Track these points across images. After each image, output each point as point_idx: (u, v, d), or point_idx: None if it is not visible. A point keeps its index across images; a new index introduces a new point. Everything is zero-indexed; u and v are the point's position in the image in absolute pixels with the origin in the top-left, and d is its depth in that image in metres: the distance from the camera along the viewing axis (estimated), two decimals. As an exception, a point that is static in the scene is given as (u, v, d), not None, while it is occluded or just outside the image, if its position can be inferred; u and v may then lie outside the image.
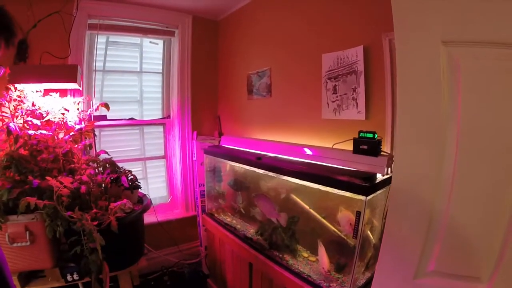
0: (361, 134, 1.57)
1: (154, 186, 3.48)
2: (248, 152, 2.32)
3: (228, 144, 2.72)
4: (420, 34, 1.01)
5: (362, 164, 1.55)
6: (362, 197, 1.38)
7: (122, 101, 3.27)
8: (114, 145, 3.17)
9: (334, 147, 1.85)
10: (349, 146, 1.70)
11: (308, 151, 1.88)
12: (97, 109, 2.38)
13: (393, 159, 1.08)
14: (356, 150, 1.59)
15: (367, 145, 1.54)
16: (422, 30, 1.00)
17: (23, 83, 2.17)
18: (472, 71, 0.94)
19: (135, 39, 3.27)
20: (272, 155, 2.08)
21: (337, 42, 2.06)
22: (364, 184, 1.36)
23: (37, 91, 2.27)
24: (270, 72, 2.72)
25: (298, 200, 1.92)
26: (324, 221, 1.80)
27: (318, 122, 2.20)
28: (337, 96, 2.05)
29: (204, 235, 3.08)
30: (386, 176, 1.53)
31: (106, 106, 2.29)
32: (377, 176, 1.49)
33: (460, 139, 0.96)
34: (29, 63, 2.45)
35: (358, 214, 1.40)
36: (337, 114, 2.05)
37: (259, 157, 2.00)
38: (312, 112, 2.25)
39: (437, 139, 0.98)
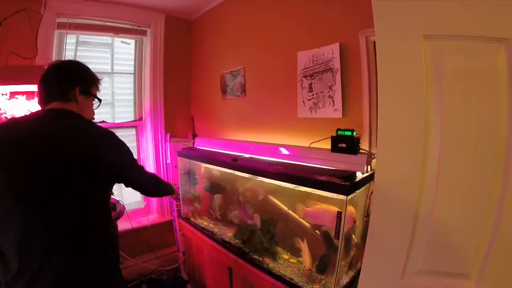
0: (339, 132, 1.54)
1: (129, 190, 3.33)
2: (223, 153, 2.25)
3: (202, 146, 2.64)
4: (400, 29, 0.98)
5: (341, 162, 1.52)
6: (343, 197, 1.34)
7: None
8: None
9: (312, 146, 1.81)
10: (327, 145, 1.67)
11: (285, 151, 1.84)
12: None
13: (375, 158, 1.05)
14: (335, 148, 1.55)
15: (345, 143, 1.51)
16: (403, 24, 0.97)
17: (-14, 85, 2.03)
18: (454, 66, 0.92)
19: (106, 39, 3.14)
20: (248, 156, 2.03)
21: (313, 39, 2.03)
22: (344, 183, 1.33)
23: (2, 94, 2.15)
24: (244, 71, 2.66)
25: (276, 201, 1.88)
26: (304, 221, 1.77)
27: (294, 121, 2.17)
28: (313, 94, 2.02)
29: (181, 240, 2.98)
30: (366, 174, 1.51)
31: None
32: (357, 175, 1.47)
33: (444, 136, 0.94)
34: (-4, 65, 2.27)
35: (339, 215, 1.37)
36: (313, 113, 2.02)
37: (235, 159, 1.95)
38: (288, 111, 2.22)
39: (421, 137, 0.96)
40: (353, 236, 1.64)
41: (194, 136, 3.39)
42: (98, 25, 2.95)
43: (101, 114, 3.12)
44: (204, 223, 2.47)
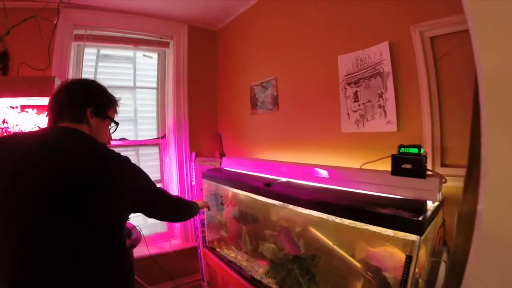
0: (402, 149, 1.20)
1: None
2: (254, 176, 1.93)
3: (230, 167, 2.34)
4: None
5: (405, 188, 1.17)
6: (414, 237, 1.00)
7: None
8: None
9: (363, 167, 1.48)
10: (383, 166, 1.34)
11: (329, 174, 1.50)
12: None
13: (482, 188, 0.70)
14: (397, 170, 1.20)
15: (411, 164, 1.16)
16: None
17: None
18: None
19: (128, 52, 3.00)
20: (283, 179, 1.70)
21: (355, 40, 1.73)
22: (416, 218, 0.99)
23: (11, 107, 2.02)
24: (276, 82, 2.38)
25: (319, 234, 1.54)
26: (353, 260, 1.42)
27: (338, 137, 1.84)
28: (359, 105, 1.70)
29: (206, 268, 2.68)
30: (436, 204, 1.16)
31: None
32: (428, 205, 1.12)
33: None
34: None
35: (408, 260, 1.02)
36: (360, 126, 1.69)
37: (268, 183, 1.62)
38: (330, 125, 1.90)
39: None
40: (419, 280, 1.28)
41: (222, 155, 3.11)
42: (118, 36, 2.79)
43: (123, 132, 2.93)
44: (231, 254, 2.16)
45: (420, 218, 0.99)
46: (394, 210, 1.02)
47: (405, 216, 0.99)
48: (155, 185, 1.19)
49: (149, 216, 1.24)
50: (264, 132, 2.58)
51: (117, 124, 1.22)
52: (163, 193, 1.28)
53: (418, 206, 1.05)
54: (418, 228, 0.98)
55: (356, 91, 1.71)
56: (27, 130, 1.95)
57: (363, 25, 1.71)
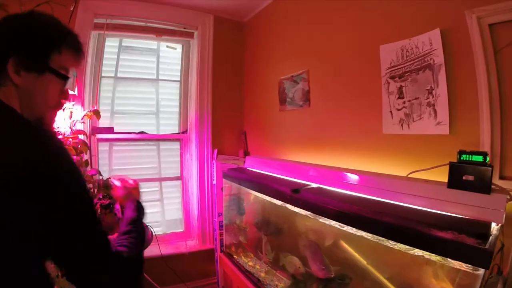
0: (464, 157, 0.95)
1: (171, 207, 3.00)
2: (280, 179, 1.72)
3: (254, 167, 2.14)
4: None
5: (464, 206, 0.93)
6: (478, 271, 0.76)
7: (137, 113, 2.87)
8: (127, 161, 2.80)
9: (411, 176, 1.24)
10: (432, 176, 1.12)
11: (368, 182, 1.26)
12: (89, 118, 1.93)
13: None
14: (455, 182, 0.96)
15: (474, 175, 0.93)
16: None
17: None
18: None
19: (151, 44, 2.89)
20: (314, 185, 1.48)
21: (400, 27, 1.52)
22: (483, 247, 0.75)
23: None
24: (307, 75, 2.16)
25: (350, 250, 1.32)
26: (389, 284, 1.19)
27: (378, 138, 1.62)
28: (404, 102, 1.47)
29: (221, 272, 2.51)
30: (499, 226, 0.92)
31: (96, 114, 1.82)
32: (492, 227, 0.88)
33: None
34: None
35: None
36: (405, 128, 1.47)
37: (296, 189, 1.40)
38: (369, 125, 1.68)
39: None
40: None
41: (246, 154, 2.95)
42: (139, 26, 2.68)
43: (144, 126, 2.82)
44: (249, 263, 1.97)
45: (486, 247, 0.75)
46: (456, 234, 0.79)
47: (470, 243, 0.76)
48: (93, 208, 0.73)
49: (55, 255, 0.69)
50: (293, 130, 2.38)
51: (65, 78, 0.77)
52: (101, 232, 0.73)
53: (482, 229, 0.82)
54: (484, 259, 0.75)
55: (401, 86, 1.48)
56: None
57: (410, 10, 1.49)
